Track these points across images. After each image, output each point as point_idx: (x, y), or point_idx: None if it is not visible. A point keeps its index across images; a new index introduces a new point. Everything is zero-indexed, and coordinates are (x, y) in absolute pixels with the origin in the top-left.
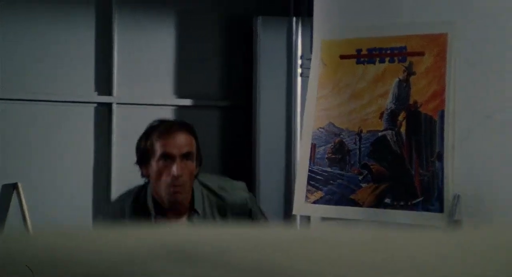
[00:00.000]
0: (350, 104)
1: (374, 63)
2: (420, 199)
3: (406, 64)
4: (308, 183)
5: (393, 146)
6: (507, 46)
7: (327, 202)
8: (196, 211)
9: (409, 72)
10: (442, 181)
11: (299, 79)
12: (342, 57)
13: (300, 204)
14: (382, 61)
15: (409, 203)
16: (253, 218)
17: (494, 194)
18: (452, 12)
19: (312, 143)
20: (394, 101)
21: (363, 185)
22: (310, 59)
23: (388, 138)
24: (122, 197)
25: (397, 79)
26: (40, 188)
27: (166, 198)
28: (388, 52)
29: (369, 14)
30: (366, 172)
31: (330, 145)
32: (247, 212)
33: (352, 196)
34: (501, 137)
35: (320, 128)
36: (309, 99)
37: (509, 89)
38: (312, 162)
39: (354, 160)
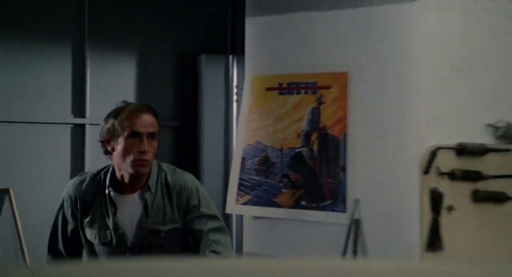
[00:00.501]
0: (274, 126)
1: (292, 94)
2: (329, 202)
3: (317, 95)
4: (239, 188)
5: (307, 160)
6: (394, 82)
7: (254, 203)
8: (149, 188)
9: (320, 102)
10: (345, 188)
11: (235, 104)
12: (268, 89)
13: (232, 205)
14: (298, 93)
15: (320, 205)
16: (199, 208)
17: (386, 198)
18: (351, 56)
19: (242, 157)
20: (308, 125)
21: (284, 190)
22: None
23: (304, 153)
24: (88, 172)
25: (311, 107)
26: (26, 195)
27: (132, 170)
28: (303, 86)
29: (288, 56)
30: (287, 180)
31: (257, 158)
32: (195, 203)
33: (274, 199)
34: (390, 154)
35: (250, 144)
36: (241, 122)
37: (395, 116)
38: (242, 172)
39: (277, 170)
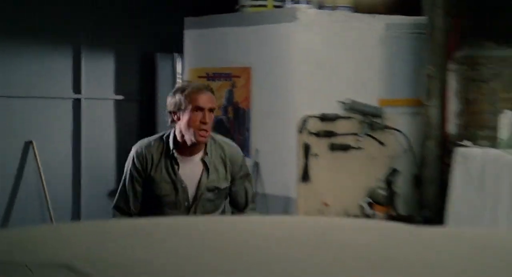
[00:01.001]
0: None
1: (215, 80)
2: None
3: (232, 82)
4: None
5: (226, 124)
6: (281, 75)
7: None
8: (207, 153)
9: (233, 86)
10: (249, 142)
11: None
12: (199, 77)
13: None
14: (219, 80)
15: None
16: (244, 171)
17: (275, 149)
18: (253, 56)
19: None
20: (226, 101)
21: None
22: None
23: (224, 120)
24: (151, 136)
25: (227, 90)
26: (45, 147)
27: (194, 138)
28: (223, 75)
29: (213, 55)
30: None
31: None
32: (240, 167)
33: None
34: (278, 120)
35: None
36: None
37: (282, 96)
38: None
39: None
